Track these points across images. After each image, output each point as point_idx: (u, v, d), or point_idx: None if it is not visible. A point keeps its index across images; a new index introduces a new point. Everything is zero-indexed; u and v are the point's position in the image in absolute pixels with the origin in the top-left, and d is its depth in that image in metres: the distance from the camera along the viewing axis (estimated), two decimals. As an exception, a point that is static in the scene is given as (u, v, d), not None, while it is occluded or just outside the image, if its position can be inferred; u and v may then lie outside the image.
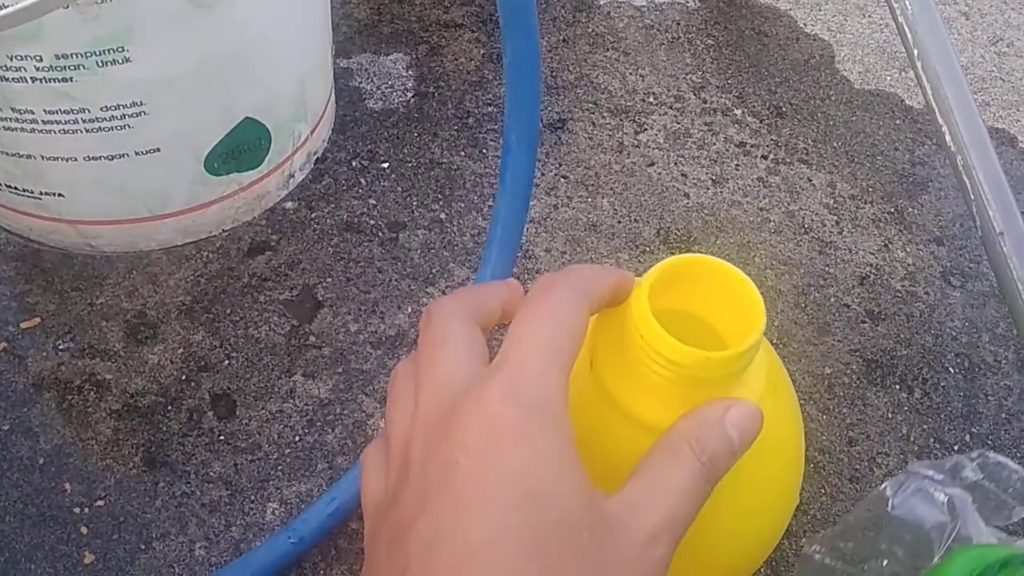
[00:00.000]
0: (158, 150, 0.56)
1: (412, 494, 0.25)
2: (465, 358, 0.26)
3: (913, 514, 0.38)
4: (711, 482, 0.26)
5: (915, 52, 0.50)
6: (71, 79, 0.50)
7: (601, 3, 0.85)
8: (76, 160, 0.55)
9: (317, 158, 0.69)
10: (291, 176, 0.66)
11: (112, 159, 0.55)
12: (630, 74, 0.79)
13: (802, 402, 0.59)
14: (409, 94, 0.75)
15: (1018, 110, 0.79)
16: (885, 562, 0.37)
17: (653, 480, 0.26)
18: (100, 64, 0.50)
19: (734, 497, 0.31)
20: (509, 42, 0.42)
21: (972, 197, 0.48)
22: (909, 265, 0.67)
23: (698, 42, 0.82)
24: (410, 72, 0.77)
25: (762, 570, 0.52)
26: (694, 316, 0.31)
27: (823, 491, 0.55)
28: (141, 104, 0.53)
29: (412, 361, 0.28)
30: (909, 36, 0.50)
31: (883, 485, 0.40)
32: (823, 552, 0.40)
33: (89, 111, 0.52)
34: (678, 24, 0.83)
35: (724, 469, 0.27)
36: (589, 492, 0.24)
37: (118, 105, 0.53)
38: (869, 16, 0.87)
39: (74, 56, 0.49)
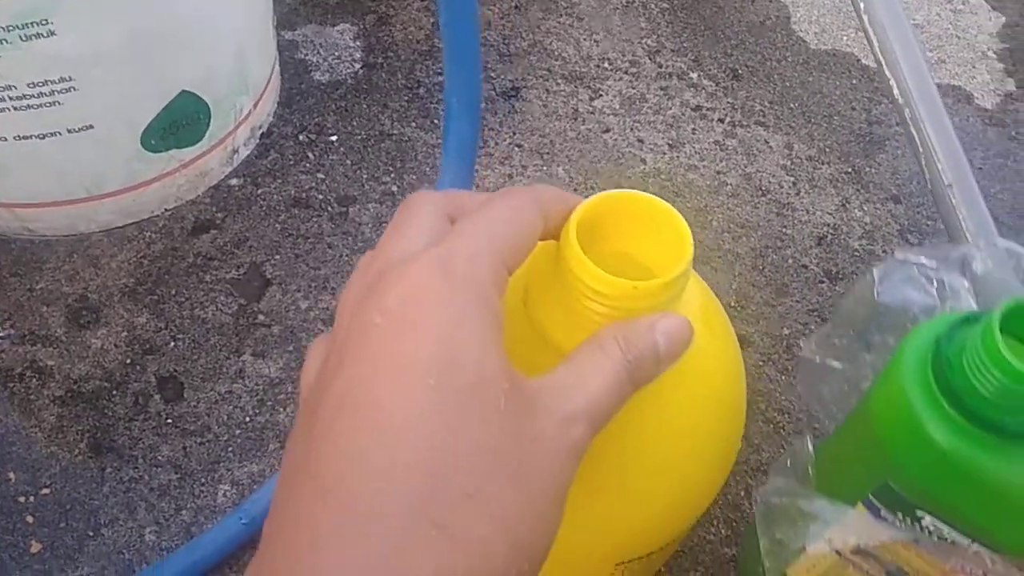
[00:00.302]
0: (91, 127, 0.54)
1: (332, 360, 0.24)
2: (421, 242, 0.25)
3: (901, 300, 0.37)
4: (633, 382, 0.26)
5: (861, 5, 0.49)
6: (-6, 55, 0.49)
7: (553, -31, 0.83)
8: (6, 140, 0.53)
9: (262, 133, 0.67)
10: (235, 152, 0.64)
11: (44, 137, 0.54)
12: (584, 40, 0.78)
13: (761, 363, 0.58)
14: (357, 65, 0.74)
15: (974, 67, 0.79)
16: (879, 354, 0.36)
17: (577, 368, 0.25)
18: (24, 38, 0.48)
19: (664, 425, 0.32)
20: (443, 2, 0.41)
21: (921, 150, 0.47)
22: (867, 224, 0.67)
23: (652, 6, 0.81)
24: (357, 43, 0.75)
25: (721, 529, 0.51)
26: (630, 257, 0.31)
27: (782, 450, 0.55)
28: (70, 79, 0.51)
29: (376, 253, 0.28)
30: (855, -12, 0.49)
31: (869, 274, 0.39)
32: (818, 352, 0.38)
33: (16, 88, 0.51)
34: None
35: (648, 373, 0.27)
36: (509, 366, 0.23)
37: (46, 81, 0.51)
38: (824, -25, 0.86)
39: (-5, 30, 0.48)
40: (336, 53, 0.74)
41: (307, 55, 0.74)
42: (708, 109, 0.73)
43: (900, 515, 0.33)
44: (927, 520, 0.32)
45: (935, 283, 0.36)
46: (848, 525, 0.34)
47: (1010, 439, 0.29)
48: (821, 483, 0.37)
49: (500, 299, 0.24)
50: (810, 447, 0.37)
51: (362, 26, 0.77)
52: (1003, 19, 0.83)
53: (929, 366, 0.30)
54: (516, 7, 0.80)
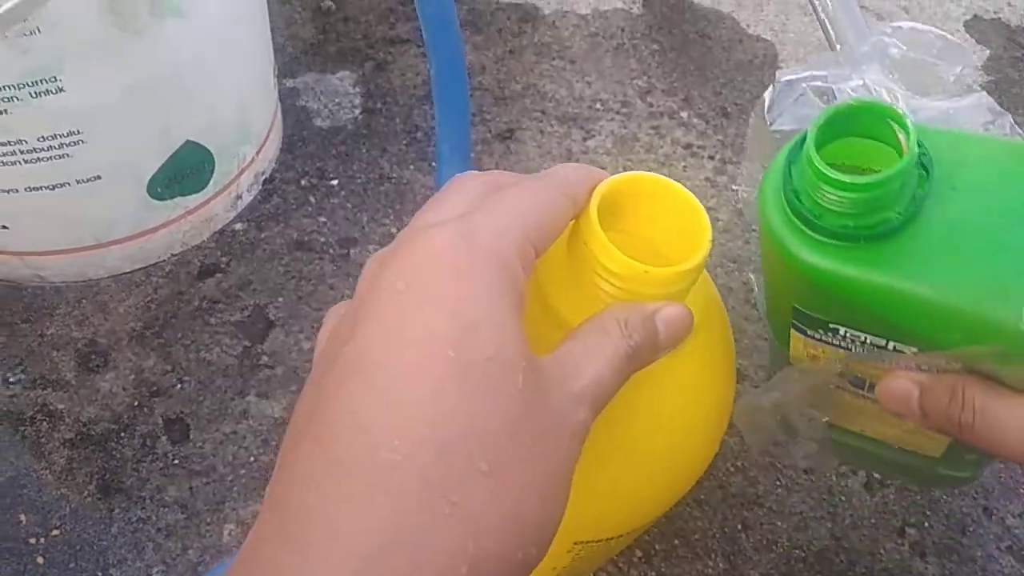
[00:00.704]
0: (99, 178, 0.56)
1: (346, 322, 0.23)
2: (453, 213, 0.25)
3: (794, 123, 0.37)
4: (632, 363, 0.26)
5: (838, 47, 0.51)
6: (5, 111, 0.51)
7: (546, 13, 0.86)
8: (17, 191, 0.55)
9: (265, 178, 0.69)
10: (239, 197, 0.66)
11: (53, 188, 0.56)
12: (576, 82, 0.80)
13: (753, 396, 0.59)
14: (357, 111, 0.76)
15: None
16: None
17: (583, 345, 0.25)
18: (34, 95, 0.50)
19: (643, 414, 0.32)
20: (433, 53, 0.43)
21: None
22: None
23: (643, 47, 0.83)
24: (357, 89, 0.77)
25: (719, 563, 0.52)
26: (646, 240, 0.31)
27: (778, 483, 0.56)
28: (78, 132, 0.53)
29: None
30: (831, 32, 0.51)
31: (759, 103, 0.38)
32: (746, 190, 0.39)
33: (26, 142, 0.52)
34: (623, 31, 0.84)
35: (646, 356, 0.27)
36: (527, 345, 0.23)
37: (55, 135, 0.53)
38: (810, 15, 0.88)
39: (7, 88, 0.50)
40: (336, 100, 0.76)
41: (308, 102, 0.76)
42: (699, 147, 0.75)
43: (820, 332, 0.33)
44: (842, 331, 0.33)
45: (826, 96, 0.36)
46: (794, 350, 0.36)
47: (865, 242, 0.29)
48: (770, 319, 0.38)
49: (525, 277, 0.24)
50: (756, 286, 0.38)
51: (361, 73, 0.79)
52: (987, 52, 0.85)
53: (781, 188, 0.31)
54: (510, 52, 0.82)
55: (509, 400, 0.22)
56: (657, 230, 0.30)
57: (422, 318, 0.22)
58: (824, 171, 0.28)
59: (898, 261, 0.29)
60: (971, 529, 0.54)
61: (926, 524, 0.55)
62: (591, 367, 0.25)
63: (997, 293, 0.27)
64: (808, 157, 0.29)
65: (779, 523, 0.54)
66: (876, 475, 0.56)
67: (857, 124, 0.30)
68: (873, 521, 0.54)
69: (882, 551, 0.53)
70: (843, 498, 0.55)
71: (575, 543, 0.35)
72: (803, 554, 0.53)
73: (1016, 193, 0.29)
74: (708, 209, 0.69)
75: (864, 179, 0.28)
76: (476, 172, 0.28)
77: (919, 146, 0.29)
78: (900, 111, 0.29)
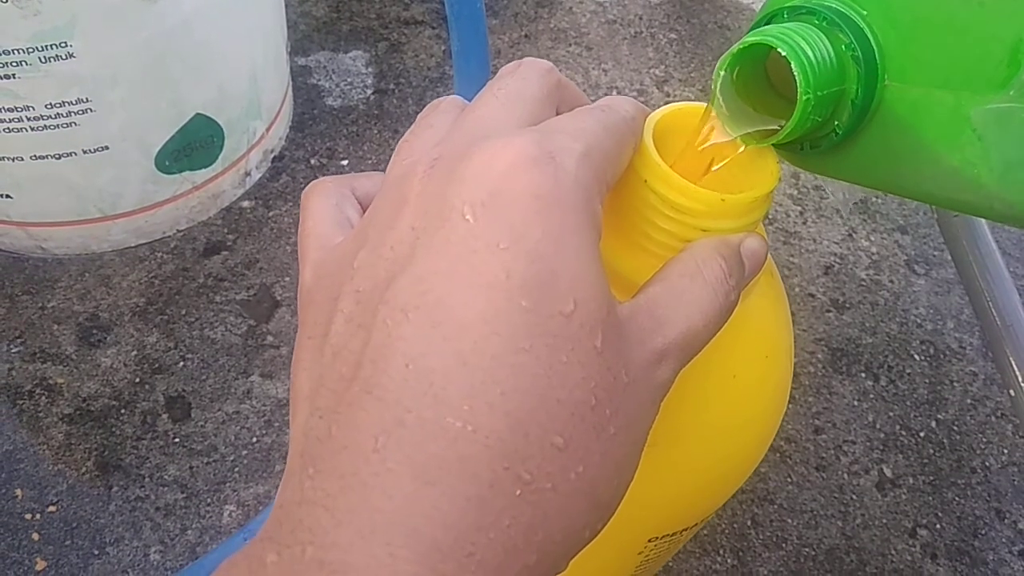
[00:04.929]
0: (107, 148, 0.55)
1: (395, 246, 0.19)
2: (528, 111, 0.21)
3: None
4: (730, 310, 0.22)
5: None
6: (13, 76, 0.49)
7: (564, 0, 0.84)
8: (22, 160, 0.54)
9: (274, 156, 0.68)
10: (247, 174, 0.65)
11: (59, 158, 0.54)
12: (593, 69, 0.78)
13: (766, 392, 0.58)
14: (369, 91, 0.74)
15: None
16: None
17: (674, 291, 0.22)
18: (43, 60, 0.49)
19: (718, 378, 0.28)
20: (455, 29, 0.41)
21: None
22: (873, 254, 0.67)
23: (661, 36, 0.82)
24: (370, 69, 0.76)
25: (727, 559, 0.51)
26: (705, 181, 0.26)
27: (789, 480, 0.55)
28: (87, 101, 0.52)
29: (463, 103, 0.23)
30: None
31: None
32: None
33: (33, 108, 0.51)
34: (640, 19, 0.83)
35: (737, 300, 0.23)
36: (609, 292, 0.20)
37: (63, 102, 0.51)
38: (831, 8, 0.87)
39: (15, 52, 0.48)
40: (348, 79, 0.75)
41: (320, 80, 0.75)
42: (716, 138, 0.74)
43: None
44: None
45: None
46: None
47: (822, 151, 0.27)
48: None
49: (601, 216, 0.20)
50: None
51: (374, 53, 0.78)
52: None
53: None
54: (526, 36, 0.81)
55: (587, 365, 0.19)
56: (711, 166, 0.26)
57: (497, 258, 0.18)
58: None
59: (861, 160, 0.26)
60: (983, 532, 0.54)
61: (938, 526, 0.54)
62: (681, 318, 0.21)
63: (965, 177, 0.24)
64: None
65: (789, 520, 0.53)
66: (888, 472, 0.55)
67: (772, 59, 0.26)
68: (884, 521, 0.53)
69: (893, 552, 0.52)
70: (854, 497, 0.54)
71: (649, 540, 0.32)
72: (813, 552, 0.52)
73: (975, 47, 0.24)
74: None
75: (764, 140, 0.25)
76: (549, 65, 0.23)
77: (847, 43, 0.25)
78: (792, 46, 0.24)
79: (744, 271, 0.23)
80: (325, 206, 0.22)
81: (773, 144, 0.25)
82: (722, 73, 0.25)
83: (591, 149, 0.20)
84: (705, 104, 0.26)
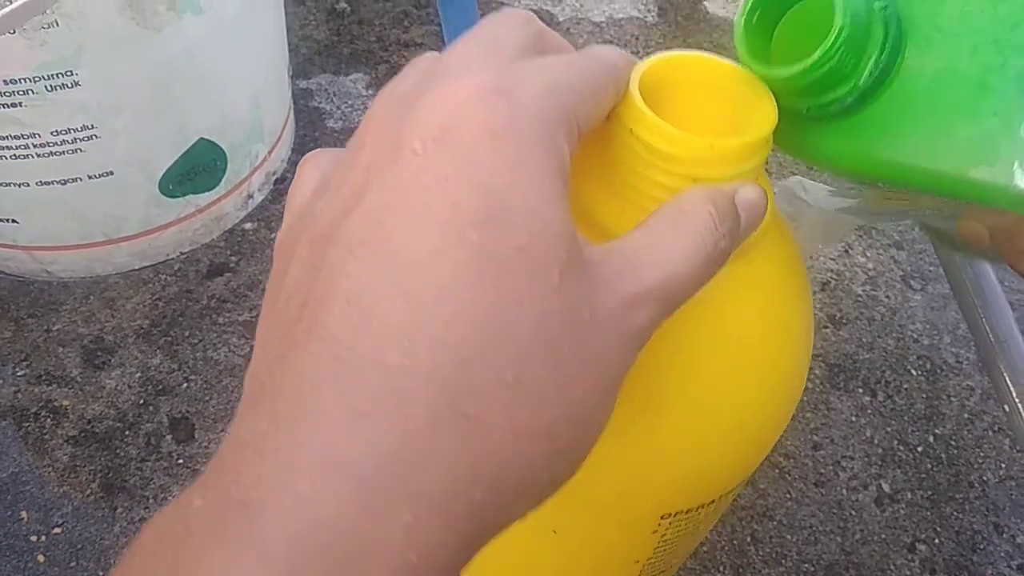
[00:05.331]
0: (111, 173, 0.56)
1: (349, 184, 0.19)
2: (505, 56, 0.20)
3: None
4: (717, 261, 0.21)
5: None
6: (20, 104, 0.50)
7: (560, 20, 0.86)
8: (28, 185, 0.55)
9: (276, 178, 0.69)
10: (250, 197, 0.66)
11: (65, 183, 0.55)
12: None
13: (765, 408, 0.59)
14: (369, 113, 0.75)
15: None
16: None
17: (655, 236, 0.21)
18: (49, 88, 0.50)
19: (728, 335, 0.27)
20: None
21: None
22: (870, 270, 0.67)
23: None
24: (370, 91, 0.77)
25: (727, 577, 0.51)
26: (698, 133, 0.25)
27: (788, 496, 0.55)
28: (92, 127, 0.53)
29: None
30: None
31: None
32: None
33: (39, 135, 0.52)
34: (637, 39, 0.84)
35: (730, 250, 0.22)
36: (572, 229, 0.19)
37: (69, 129, 0.52)
38: (825, 27, 0.88)
39: (23, 81, 0.49)
40: (349, 101, 0.76)
41: (321, 103, 0.76)
42: (712, 156, 0.74)
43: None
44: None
45: None
46: None
47: (829, 119, 0.26)
48: None
49: (570, 156, 0.20)
50: None
51: (374, 75, 0.79)
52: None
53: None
54: (524, 57, 0.82)
55: (542, 300, 0.18)
56: (705, 118, 0.25)
57: (446, 192, 0.18)
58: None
59: (869, 133, 0.25)
60: (981, 547, 0.54)
61: (936, 540, 0.54)
62: (661, 263, 0.20)
63: (982, 152, 0.23)
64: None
65: (788, 536, 0.53)
66: (886, 487, 0.56)
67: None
68: (883, 536, 0.54)
69: (892, 567, 0.53)
70: (853, 512, 0.55)
71: (662, 517, 0.30)
72: (812, 568, 0.52)
73: (1005, 16, 0.24)
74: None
75: (782, 71, 0.24)
76: (533, 17, 0.22)
77: (885, 4, 0.24)
78: None
79: (740, 222, 0.22)
80: (314, 175, 0.22)
81: (781, 103, 0.24)
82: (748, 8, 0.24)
83: (556, 84, 0.19)
84: (696, 52, 0.25)
